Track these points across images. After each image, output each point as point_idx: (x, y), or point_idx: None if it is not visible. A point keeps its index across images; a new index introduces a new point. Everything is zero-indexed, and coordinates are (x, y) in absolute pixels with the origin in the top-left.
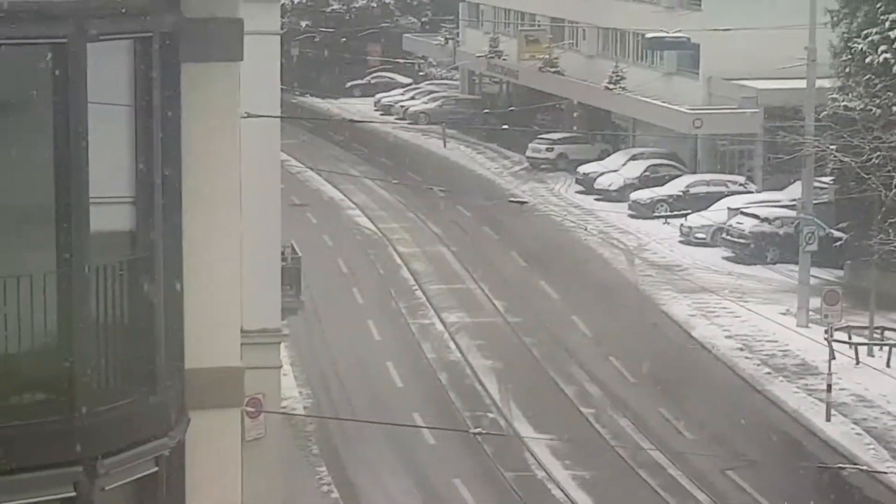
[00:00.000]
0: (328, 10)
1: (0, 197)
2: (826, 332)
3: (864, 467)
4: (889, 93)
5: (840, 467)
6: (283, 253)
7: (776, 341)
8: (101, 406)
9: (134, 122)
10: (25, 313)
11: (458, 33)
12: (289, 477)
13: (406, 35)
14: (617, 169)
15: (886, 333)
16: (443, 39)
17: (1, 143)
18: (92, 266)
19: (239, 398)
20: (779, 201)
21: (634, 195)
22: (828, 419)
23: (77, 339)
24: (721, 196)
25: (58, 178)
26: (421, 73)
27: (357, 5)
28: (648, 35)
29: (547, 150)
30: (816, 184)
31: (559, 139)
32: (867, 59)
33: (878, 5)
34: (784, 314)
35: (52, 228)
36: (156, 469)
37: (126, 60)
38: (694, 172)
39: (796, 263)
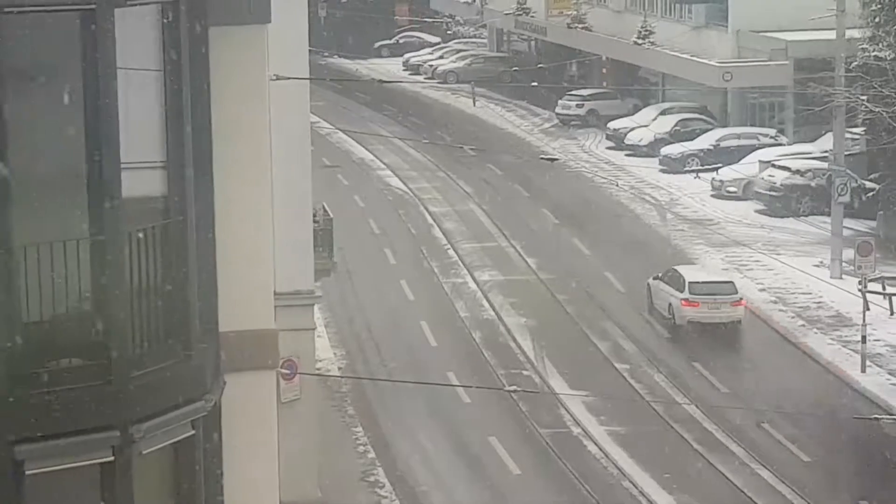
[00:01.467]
0: None
1: (33, 165)
2: (860, 283)
3: None
4: None
5: (875, 418)
6: (314, 215)
7: (810, 293)
8: (138, 370)
9: (163, 86)
10: (60, 280)
11: None
12: (325, 438)
13: None
14: (647, 124)
15: None
16: None
17: (32, 111)
18: (125, 231)
19: (274, 360)
20: (810, 153)
21: (665, 150)
22: (863, 370)
23: (112, 304)
24: (752, 149)
25: (89, 144)
26: (449, 32)
27: None
28: None
29: (577, 106)
30: (848, 135)
31: (589, 95)
32: None
33: None
34: (817, 266)
35: (85, 195)
36: (192, 432)
37: (154, 25)
38: (724, 126)
39: (828, 215)
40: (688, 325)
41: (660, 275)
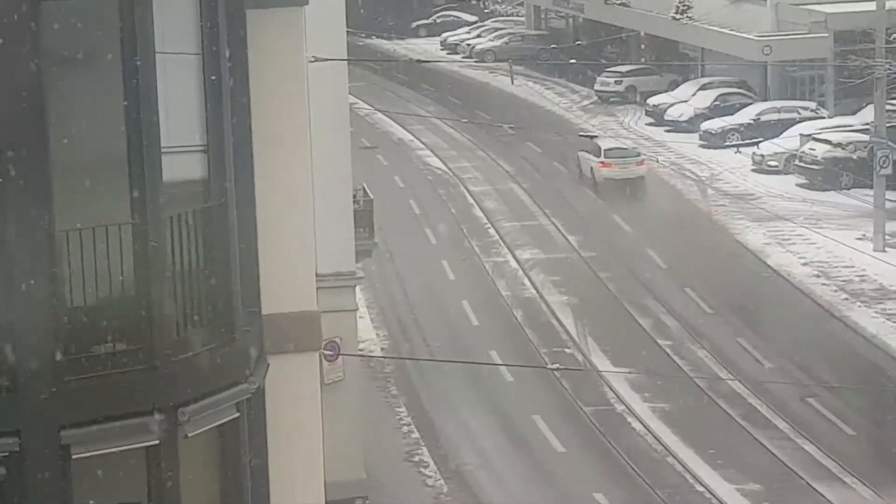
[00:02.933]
0: None
1: (74, 150)
2: None
3: None
4: None
5: None
6: (354, 196)
7: (853, 267)
8: (181, 354)
9: (202, 70)
10: (103, 264)
11: None
12: (368, 418)
13: None
14: (687, 99)
15: None
16: None
17: (73, 97)
18: (167, 215)
19: (316, 342)
20: (851, 126)
21: (705, 125)
22: None
23: (155, 288)
24: (792, 123)
25: (129, 129)
26: (486, 11)
27: None
28: None
29: (616, 83)
30: (889, 107)
31: (627, 71)
32: None
33: None
34: (860, 239)
35: (126, 179)
36: (237, 415)
37: (192, 9)
38: (764, 100)
39: (870, 188)
40: (604, 181)
41: (585, 148)
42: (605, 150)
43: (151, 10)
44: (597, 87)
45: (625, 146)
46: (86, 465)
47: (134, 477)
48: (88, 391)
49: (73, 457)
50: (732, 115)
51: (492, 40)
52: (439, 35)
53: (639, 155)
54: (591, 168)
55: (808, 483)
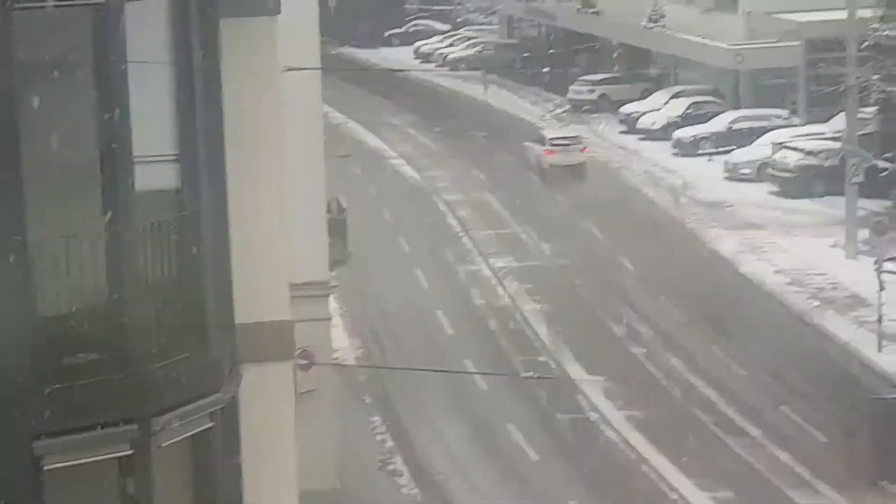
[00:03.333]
0: None
1: (47, 160)
2: (875, 262)
3: None
4: None
5: (894, 397)
6: (328, 205)
7: (825, 274)
8: (154, 364)
9: (175, 80)
10: (76, 274)
11: None
12: (342, 427)
13: None
14: (659, 108)
15: None
16: None
17: (45, 106)
18: (139, 225)
19: (290, 351)
20: (823, 134)
21: (678, 133)
22: (879, 350)
23: (128, 298)
24: (765, 131)
25: (101, 138)
26: (459, 20)
27: None
28: None
29: (588, 91)
30: (860, 115)
31: (600, 80)
32: None
33: None
34: (832, 247)
35: (99, 189)
36: (211, 424)
37: (164, 18)
38: (737, 108)
39: (843, 195)
40: (549, 167)
41: (532, 139)
42: (549, 138)
43: (124, 18)
44: (570, 95)
45: (568, 135)
46: (58, 476)
47: (107, 487)
48: (61, 402)
49: (46, 468)
50: (705, 123)
51: (465, 49)
52: (412, 44)
53: (581, 143)
54: (538, 156)
55: (781, 490)
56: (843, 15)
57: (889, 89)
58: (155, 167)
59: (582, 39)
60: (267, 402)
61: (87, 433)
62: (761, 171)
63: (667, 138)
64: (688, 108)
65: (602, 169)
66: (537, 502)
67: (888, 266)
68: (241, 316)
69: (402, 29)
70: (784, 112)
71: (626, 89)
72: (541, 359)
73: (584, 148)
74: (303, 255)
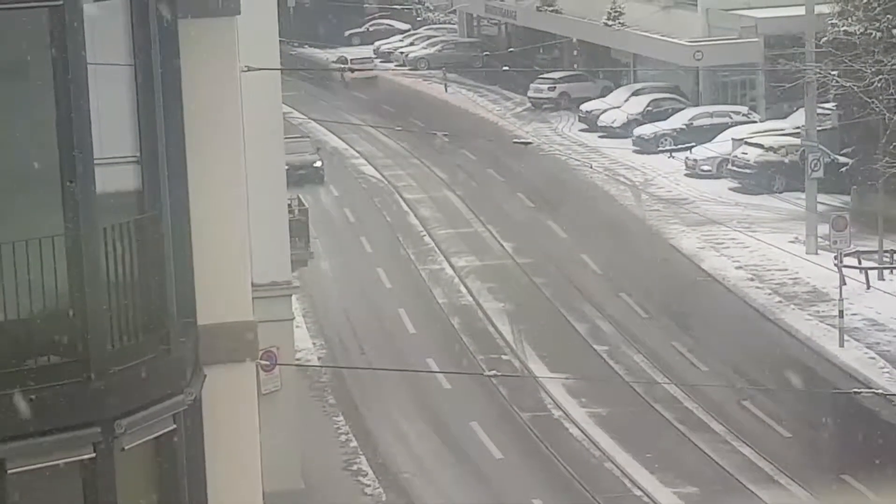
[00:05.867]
0: None
1: (6, 161)
2: (835, 258)
3: (879, 391)
4: (888, 15)
5: (855, 392)
6: (289, 205)
7: (786, 270)
8: (116, 366)
9: (134, 81)
10: (36, 277)
11: None
12: (306, 428)
13: None
14: (619, 105)
15: None
16: None
17: (4, 108)
18: (100, 227)
19: (253, 352)
20: (783, 130)
21: (638, 130)
22: (841, 345)
23: (89, 300)
24: (725, 127)
25: (61, 140)
26: (419, 19)
27: None
28: None
29: (549, 89)
30: (819, 110)
31: (560, 78)
32: None
33: None
34: (793, 242)
35: (59, 191)
36: (174, 426)
37: (123, 20)
38: (696, 105)
39: (802, 191)
40: (352, 80)
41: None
42: (350, 60)
43: (83, 20)
44: (530, 93)
45: (363, 56)
46: (21, 480)
47: (70, 490)
48: (23, 405)
49: (9, 471)
50: (665, 120)
51: (425, 48)
52: (372, 43)
53: (372, 63)
54: (343, 75)
55: (744, 485)
56: (801, 11)
57: (847, 84)
58: (115, 169)
59: (542, 37)
60: (230, 402)
61: (49, 437)
62: (721, 168)
63: (627, 136)
64: (648, 106)
65: (562, 167)
66: (501, 500)
67: (848, 261)
68: (204, 317)
69: (362, 28)
70: (743, 108)
71: (587, 87)
72: (504, 357)
73: (375, 65)
74: (265, 255)
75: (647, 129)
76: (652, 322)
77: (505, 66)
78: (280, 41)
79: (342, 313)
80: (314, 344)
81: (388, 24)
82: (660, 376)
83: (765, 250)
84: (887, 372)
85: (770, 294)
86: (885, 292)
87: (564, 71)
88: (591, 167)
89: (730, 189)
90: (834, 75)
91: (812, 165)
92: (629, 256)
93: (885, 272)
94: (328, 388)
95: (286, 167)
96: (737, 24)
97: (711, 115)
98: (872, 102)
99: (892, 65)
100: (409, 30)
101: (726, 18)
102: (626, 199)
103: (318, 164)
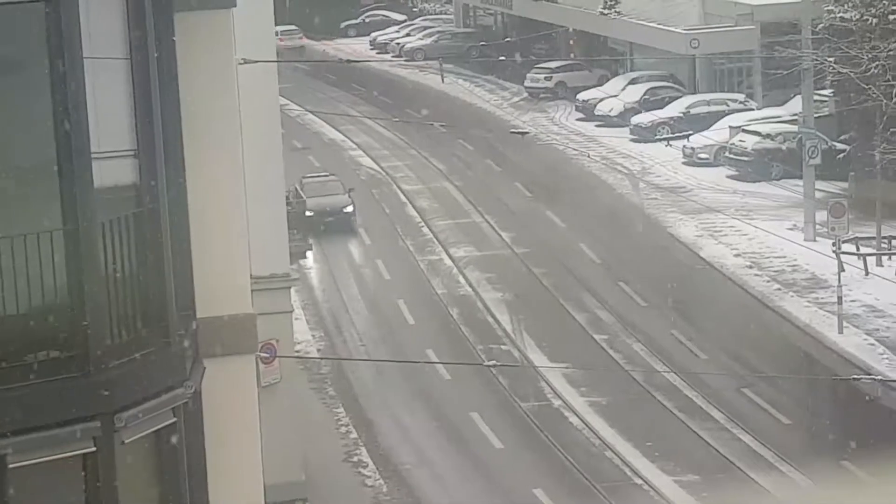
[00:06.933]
0: None
1: (3, 156)
2: (834, 244)
3: (879, 377)
4: (884, 1)
5: (854, 378)
6: (287, 197)
7: (784, 257)
8: (116, 360)
9: (131, 74)
10: (35, 272)
11: None
12: (306, 420)
13: None
14: (616, 94)
15: (894, 243)
16: None
17: (0, 103)
18: (98, 221)
19: (252, 344)
20: (780, 117)
21: (635, 119)
22: (840, 331)
23: (88, 294)
24: (722, 115)
25: (58, 135)
26: (415, 9)
27: None
28: None
29: (545, 79)
30: (816, 97)
31: (557, 67)
32: None
33: None
34: (791, 229)
35: (57, 186)
36: (174, 419)
37: (119, 13)
38: (693, 93)
39: (800, 178)
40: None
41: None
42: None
43: (78, 14)
44: (527, 83)
45: (291, 28)
46: (22, 475)
47: (71, 484)
48: (23, 400)
49: (10, 466)
50: (662, 108)
51: (421, 39)
52: (368, 35)
53: (300, 34)
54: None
55: (745, 472)
56: None
57: (843, 71)
58: (113, 162)
59: (538, 27)
60: (230, 395)
61: (50, 431)
62: (719, 155)
63: (624, 124)
64: (645, 94)
65: (560, 157)
66: (502, 490)
67: (847, 247)
68: (203, 310)
69: (358, 20)
70: (740, 96)
71: (583, 76)
72: (503, 347)
73: (302, 36)
74: (263, 247)
75: (644, 118)
76: (651, 310)
77: (501, 56)
78: (276, 33)
79: (341, 305)
80: (314, 336)
81: (384, 15)
82: (659, 365)
83: (763, 238)
84: (886, 358)
85: (769, 281)
86: (883, 278)
87: (561, 60)
88: (589, 156)
89: (727, 177)
90: (830, 62)
91: (809, 152)
92: (627, 245)
93: (884, 258)
94: (328, 379)
95: (310, 214)
96: (733, 12)
97: (708, 102)
98: (869, 89)
99: (889, 51)
100: (405, 21)
101: (722, 6)
102: (623, 187)
103: (349, 208)
